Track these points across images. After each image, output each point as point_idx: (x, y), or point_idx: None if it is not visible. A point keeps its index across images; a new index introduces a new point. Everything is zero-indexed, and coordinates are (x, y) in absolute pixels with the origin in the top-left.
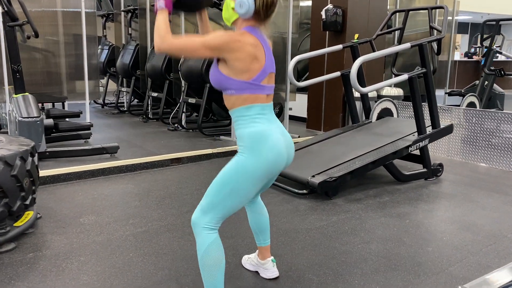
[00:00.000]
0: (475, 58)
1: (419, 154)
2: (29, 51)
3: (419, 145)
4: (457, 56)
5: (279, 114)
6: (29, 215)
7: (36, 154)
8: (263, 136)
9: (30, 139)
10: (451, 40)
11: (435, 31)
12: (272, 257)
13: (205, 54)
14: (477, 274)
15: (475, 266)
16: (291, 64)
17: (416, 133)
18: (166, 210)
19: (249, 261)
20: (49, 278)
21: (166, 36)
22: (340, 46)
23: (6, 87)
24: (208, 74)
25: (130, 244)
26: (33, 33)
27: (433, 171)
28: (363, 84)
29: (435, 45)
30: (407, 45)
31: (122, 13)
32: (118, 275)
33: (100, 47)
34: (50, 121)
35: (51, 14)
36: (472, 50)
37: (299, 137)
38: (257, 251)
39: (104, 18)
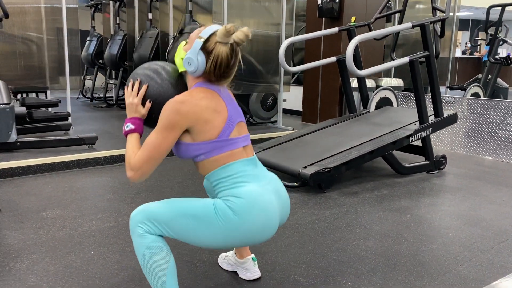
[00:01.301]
0: (476, 54)
1: (420, 145)
2: (12, 45)
3: (420, 135)
4: (458, 53)
5: (272, 106)
6: None
7: None
8: (250, 198)
9: None
10: (452, 36)
11: (437, 12)
12: (252, 255)
13: (170, 141)
14: (490, 275)
15: (486, 266)
16: (282, 46)
17: (418, 122)
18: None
19: (226, 260)
20: None
21: (132, 163)
22: (336, 29)
23: None
24: None
25: (94, 241)
26: (2, 13)
27: (436, 164)
28: (360, 69)
29: (438, 27)
30: (408, 24)
31: (111, 2)
32: (72, 275)
33: (88, 38)
34: (22, 109)
35: (34, 9)
36: (468, 45)
37: (293, 129)
38: (234, 248)
39: (93, 9)
